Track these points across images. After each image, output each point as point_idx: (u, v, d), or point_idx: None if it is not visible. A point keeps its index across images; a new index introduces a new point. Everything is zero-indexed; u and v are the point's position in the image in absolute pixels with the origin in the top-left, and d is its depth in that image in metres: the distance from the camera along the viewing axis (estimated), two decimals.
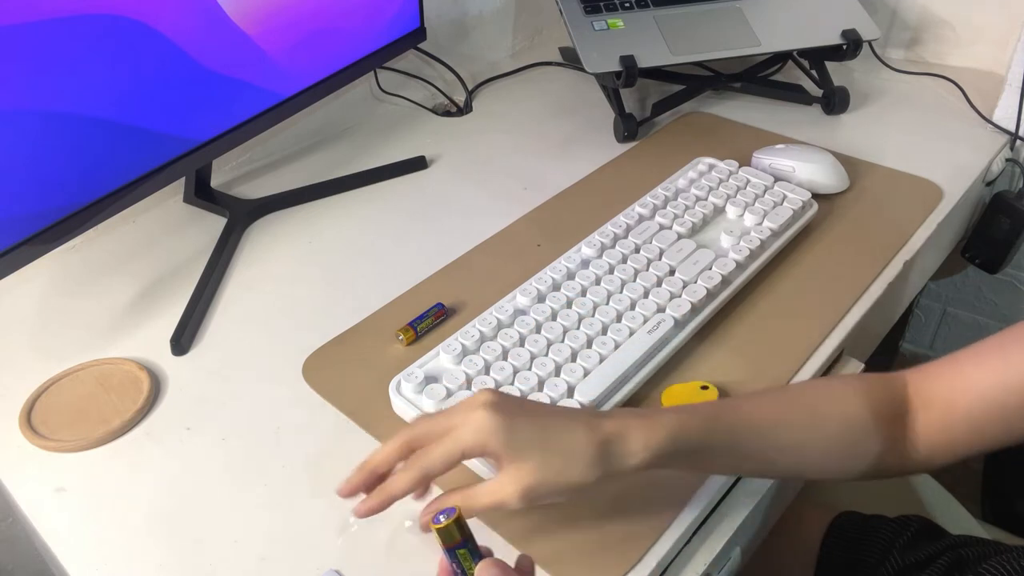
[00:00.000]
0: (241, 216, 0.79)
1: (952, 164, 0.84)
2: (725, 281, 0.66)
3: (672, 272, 0.66)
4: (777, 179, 0.78)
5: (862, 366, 0.66)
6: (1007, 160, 0.90)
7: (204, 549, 0.50)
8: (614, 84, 0.88)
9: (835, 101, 0.94)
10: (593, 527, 0.50)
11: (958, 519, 0.74)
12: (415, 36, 0.89)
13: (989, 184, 0.90)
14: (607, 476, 0.44)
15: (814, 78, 0.98)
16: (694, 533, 0.52)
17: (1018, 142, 0.89)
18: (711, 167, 0.80)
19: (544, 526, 0.50)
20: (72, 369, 0.63)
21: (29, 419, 0.59)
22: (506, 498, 0.44)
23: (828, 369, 0.64)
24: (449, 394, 0.56)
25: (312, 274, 0.74)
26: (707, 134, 0.91)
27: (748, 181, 0.78)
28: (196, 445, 0.57)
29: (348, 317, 0.67)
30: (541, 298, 0.64)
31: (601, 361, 0.58)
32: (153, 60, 0.63)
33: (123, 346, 0.66)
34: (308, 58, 0.77)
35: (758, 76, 1.02)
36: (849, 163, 0.85)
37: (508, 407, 0.45)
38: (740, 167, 0.80)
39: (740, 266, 0.68)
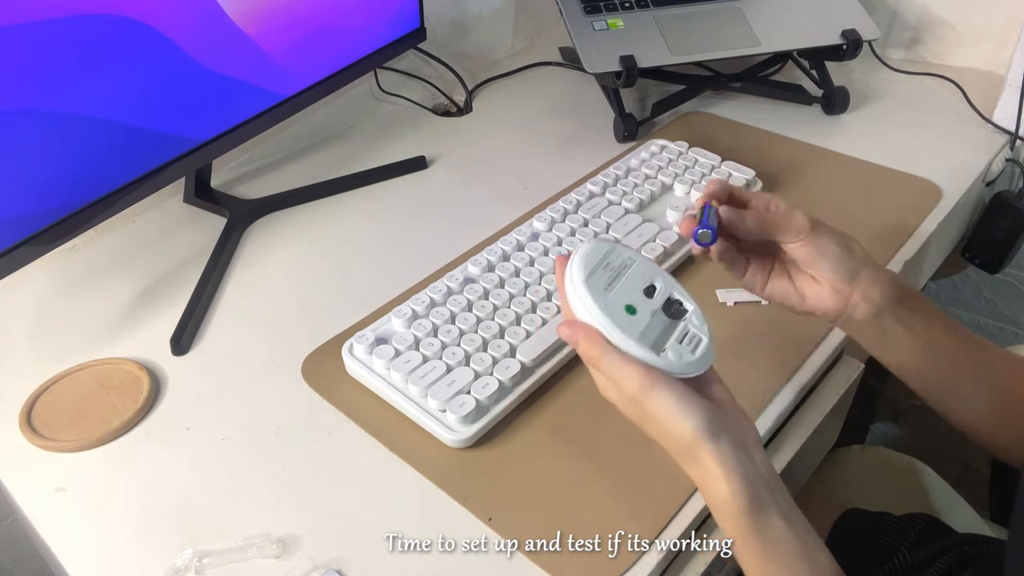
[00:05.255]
0: (241, 216, 0.79)
1: (952, 164, 0.84)
2: (667, 252, 0.69)
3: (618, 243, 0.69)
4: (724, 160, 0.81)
5: (862, 366, 0.66)
6: (1007, 160, 0.90)
7: (204, 549, 0.50)
8: (614, 84, 0.88)
9: (835, 101, 0.94)
10: (592, 526, 0.50)
11: (965, 519, 0.73)
12: (415, 36, 0.89)
13: (989, 184, 0.90)
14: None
15: (814, 78, 0.97)
16: (695, 531, 0.52)
17: (1018, 142, 0.89)
18: (662, 148, 0.83)
19: (542, 524, 0.50)
20: (72, 369, 0.63)
21: (29, 419, 0.59)
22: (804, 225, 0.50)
23: (829, 368, 0.64)
24: (398, 354, 0.58)
25: (312, 274, 0.74)
26: (707, 134, 0.91)
27: (696, 161, 0.81)
28: (196, 445, 0.58)
29: (348, 317, 0.67)
30: (491, 268, 0.66)
31: (543, 324, 0.61)
32: (153, 60, 0.63)
33: (123, 346, 0.66)
34: (308, 58, 0.77)
35: (758, 76, 1.01)
36: (849, 163, 0.85)
37: None
38: (690, 148, 0.82)
39: (682, 239, 0.70)
